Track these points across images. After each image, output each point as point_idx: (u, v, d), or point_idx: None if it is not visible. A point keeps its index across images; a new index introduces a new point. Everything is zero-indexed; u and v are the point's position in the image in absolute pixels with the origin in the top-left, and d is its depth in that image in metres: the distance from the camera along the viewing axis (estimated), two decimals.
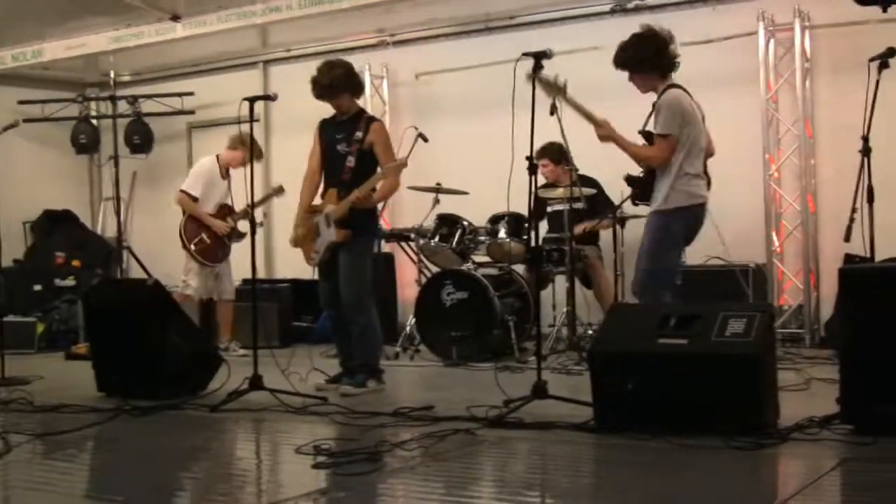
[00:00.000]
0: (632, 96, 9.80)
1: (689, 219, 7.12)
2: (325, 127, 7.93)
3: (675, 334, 5.59)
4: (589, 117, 7.18)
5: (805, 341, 9.61)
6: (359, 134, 7.65)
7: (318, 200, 7.91)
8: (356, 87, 7.88)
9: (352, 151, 7.62)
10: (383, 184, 7.64)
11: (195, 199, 10.24)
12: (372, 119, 7.85)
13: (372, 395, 7.49)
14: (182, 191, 10.33)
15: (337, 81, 7.71)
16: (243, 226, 10.07)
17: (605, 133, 7.22)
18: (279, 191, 10.01)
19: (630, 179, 7.53)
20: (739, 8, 10.22)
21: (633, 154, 7.16)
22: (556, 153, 9.22)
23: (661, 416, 5.40)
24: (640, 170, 7.38)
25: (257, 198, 9.52)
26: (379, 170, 7.57)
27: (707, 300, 7.53)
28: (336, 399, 6.90)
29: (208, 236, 10.23)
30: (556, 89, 6.90)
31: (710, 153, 7.38)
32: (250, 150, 8.26)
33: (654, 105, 7.18)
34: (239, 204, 9.62)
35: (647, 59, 7.20)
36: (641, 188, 7.30)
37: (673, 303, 6.92)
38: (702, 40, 10.22)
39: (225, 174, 10.43)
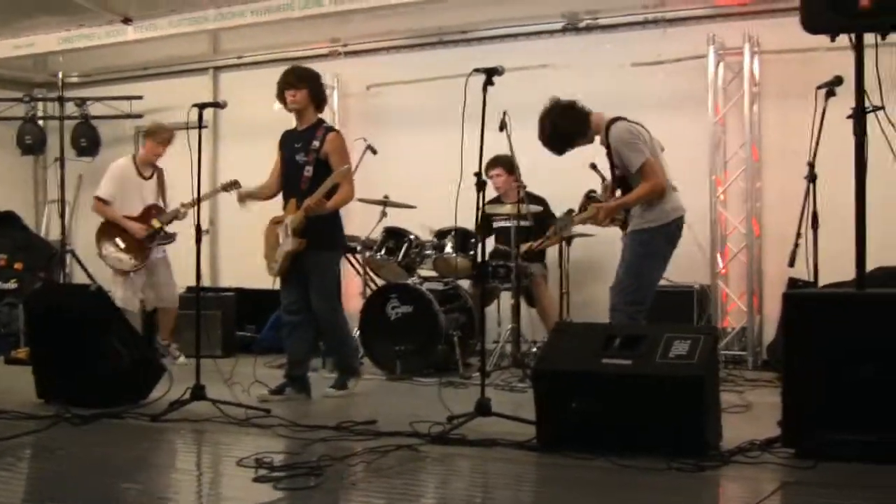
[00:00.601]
0: None
1: (670, 233, 7.30)
2: (286, 137, 8.10)
3: (620, 354, 5.62)
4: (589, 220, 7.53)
5: (748, 363, 9.67)
6: (316, 143, 7.76)
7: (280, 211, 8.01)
8: (317, 90, 8.02)
9: (309, 161, 7.74)
10: (339, 192, 7.70)
11: (108, 204, 10.00)
12: (329, 129, 7.94)
13: (354, 397, 7.92)
14: (96, 197, 10.14)
15: (298, 75, 7.94)
16: (181, 227, 9.90)
17: (607, 209, 7.40)
18: (232, 185, 9.69)
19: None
20: (690, 31, 10.29)
21: (637, 200, 7.24)
22: (509, 164, 9.25)
23: (604, 436, 5.42)
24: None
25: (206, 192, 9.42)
26: (328, 181, 7.62)
27: (652, 321, 7.58)
28: (280, 411, 6.85)
29: (123, 241, 9.96)
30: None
31: None
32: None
33: (607, 146, 7.35)
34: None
35: (579, 131, 7.48)
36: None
37: (617, 323, 6.97)
38: (652, 61, 10.32)
39: (148, 173, 10.18)
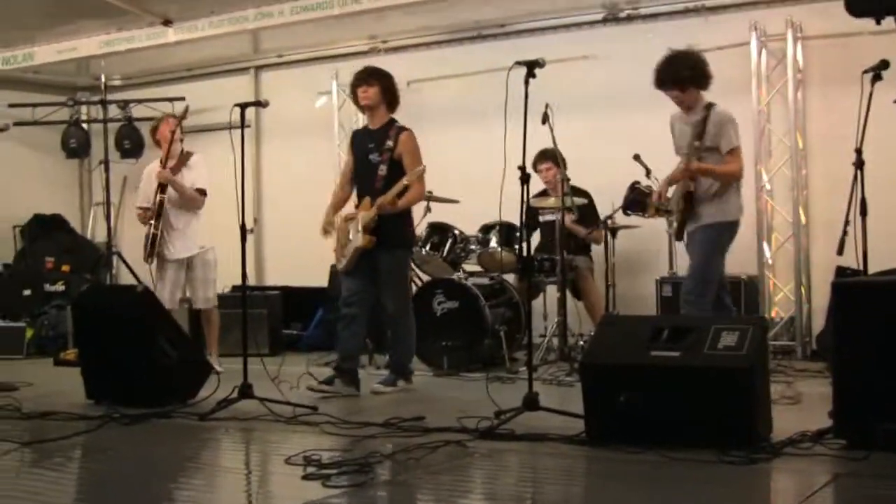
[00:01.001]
0: (621, 107, 9.84)
1: (734, 230, 7.58)
2: (357, 137, 8.33)
3: (668, 347, 5.57)
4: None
5: (797, 353, 9.57)
6: (389, 143, 7.92)
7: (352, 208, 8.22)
8: (390, 91, 8.15)
9: (383, 160, 7.90)
10: (410, 191, 7.86)
11: (143, 209, 9.58)
12: (402, 129, 8.05)
13: (402, 393, 7.97)
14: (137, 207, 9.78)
15: (374, 73, 8.12)
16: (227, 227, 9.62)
17: (697, 167, 7.41)
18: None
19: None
20: (732, 18, 10.21)
21: (723, 175, 7.39)
22: (557, 157, 9.23)
23: (654, 429, 5.38)
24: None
25: None
26: (401, 182, 7.79)
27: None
28: (327, 408, 6.86)
29: (146, 235, 9.45)
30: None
31: None
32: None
33: (702, 120, 7.43)
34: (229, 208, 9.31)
35: (695, 75, 7.55)
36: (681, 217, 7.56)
37: (665, 315, 6.95)
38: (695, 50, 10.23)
39: (172, 162, 9.59)
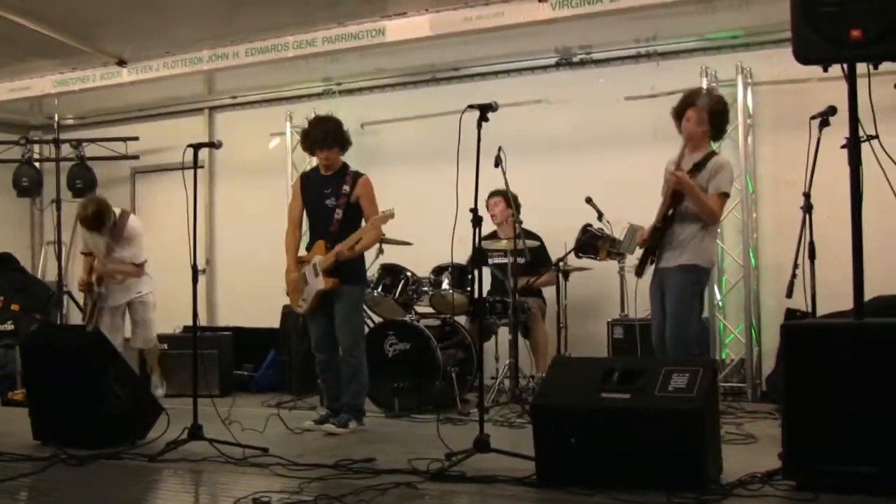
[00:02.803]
0: (574, 151, 9.91)
1: (708, 277, 7.73)
2: (308, 181, 8.33)
3: (619, 389, 5.58)
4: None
5: (747, 395, 9.62)
6: (346, 188, 8.04)
7: (302, 251, 8.29)
8: (345, 142, 8.26)
9: (339, 205, 8.02)
10: (367, 234, 8.00)
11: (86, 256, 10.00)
12: (358, 174, 8.17)
13: (353, 434, 7.89)
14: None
15: (331, 135, 8.10)
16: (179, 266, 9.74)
17: (684, 178, 7.37)
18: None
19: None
20: (683, 63, 10.32)
21: (702, 204, 7.38)
22: (507, 194, 9.27)
23: (604, 471, 5.40)
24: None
25: None
26: (363, 223, 7.99)
27: (649, 355, 7.57)
28: (276, 450, 6.81)
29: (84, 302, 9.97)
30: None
31: None
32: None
33: (698, 164, 7.49)
34: (181, 248, 9.32)
35: (722, 127, 7.77)
36: (650, 245, 7.60)
37: (616, 357, 6.96)
38: (646, 94, 10.34)
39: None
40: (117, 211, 9.85)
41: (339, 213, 8.00)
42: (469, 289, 9.42)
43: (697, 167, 7.46)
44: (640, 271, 7.73)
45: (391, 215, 7.93)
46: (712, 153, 7.59)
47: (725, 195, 7.47)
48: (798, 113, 7.51)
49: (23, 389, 9.78)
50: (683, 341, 7.28)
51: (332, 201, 8.04)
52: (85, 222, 9.69)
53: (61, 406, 7.48)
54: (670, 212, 7.44)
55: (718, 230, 9.62)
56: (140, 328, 10.02)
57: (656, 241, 7.52)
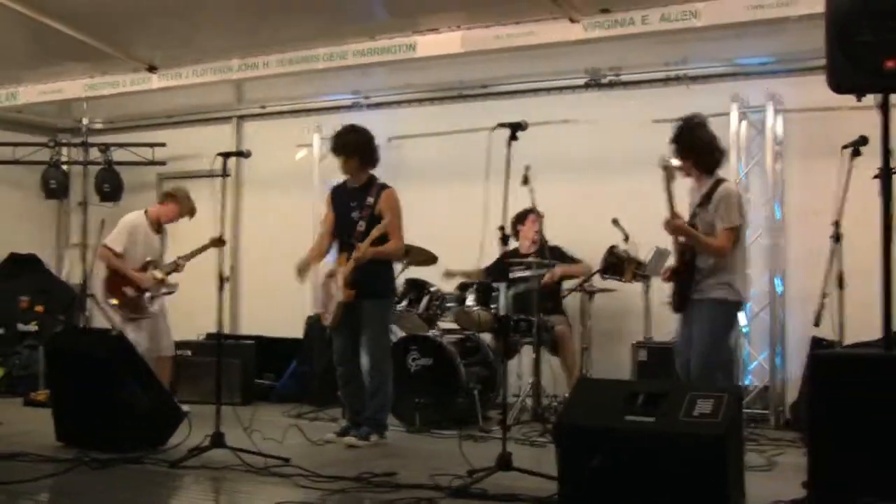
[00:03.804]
0: (601, 172, 9.93)
1: (740, 310, 7.52)
2: (336, 193, 8.41)
3: (643, 412, 5.56)
4: (670, 203, 7.19)
5: (770, 422, 9.57)
6: (370, 200, 8.07)
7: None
8: (368, 156, 8.26)
9: (363, 217, 8.04)
10: (388, 243, 8.01)
11: (119, 255, 9.82)
12: (384, 187, 8.19)
13: (374, 447, 7.90)
14: (105, 245, 9.92)
15: (349, 146, 8.18)
16: (175, 278, 9.96)
17: (678, 224, 7.25)
18: (218, 242, 9.61)
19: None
20: (713, 88, 10.30)
21: (703, 245, 7.19)
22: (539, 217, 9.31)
23: (627, 494, 5.38)
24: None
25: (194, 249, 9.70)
26: (374, 231, 7.95)
27: (673, 378, 7.55)
28: (299, 460, 6.82)
29: (132, 290, 9.80)
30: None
31: None
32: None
33: (705, 196, 7.32)
34: (206, 256, 9.40)
35: (715, 161, 7.48)
36: (678, 289, 7.38)
37: (640, 381, 6.94)
38: (675, 118, 10.28)
39: (156, 229, 10.03)
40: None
41: (361, 226, 8.02)
42: (493, 306, 9.41)
43: (706, 199, 7.35)
44: (678, 306, 7.39)
45: (389, 223, 8.00)
46: (718, 182, 7.37)
47: (733, 229, 7.20)
48: (828, 141, 7.53)
49: (45, 390, 9.83)
50: (708, 375, 7.11)
51: (356, 213, 8.08)
52: (193, 212, 9.96)
53: (84, 408, 7.53)
54: (687, 256, 7.32)
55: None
56: (164, 336, 9.99)
57: (682, 285, 7.34)
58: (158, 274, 9.85)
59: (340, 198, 8.29)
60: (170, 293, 9.99)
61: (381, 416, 8.17)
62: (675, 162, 7.36)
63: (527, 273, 9.41)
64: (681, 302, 7.31)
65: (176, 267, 9.85)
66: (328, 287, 8.20)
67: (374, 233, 7.91)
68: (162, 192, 10.08)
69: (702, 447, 5.31)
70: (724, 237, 7.17)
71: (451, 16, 9.78)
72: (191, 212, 9.97)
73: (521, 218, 9.60)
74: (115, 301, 9.77)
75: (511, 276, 9.87)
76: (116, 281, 9.79)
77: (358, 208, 8.07)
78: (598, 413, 5.71)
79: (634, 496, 5.36)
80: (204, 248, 9.65)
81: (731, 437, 5.42)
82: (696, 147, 7.40)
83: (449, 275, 9.79)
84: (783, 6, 8.62)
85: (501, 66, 11.10)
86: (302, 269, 8.25)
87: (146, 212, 10.08)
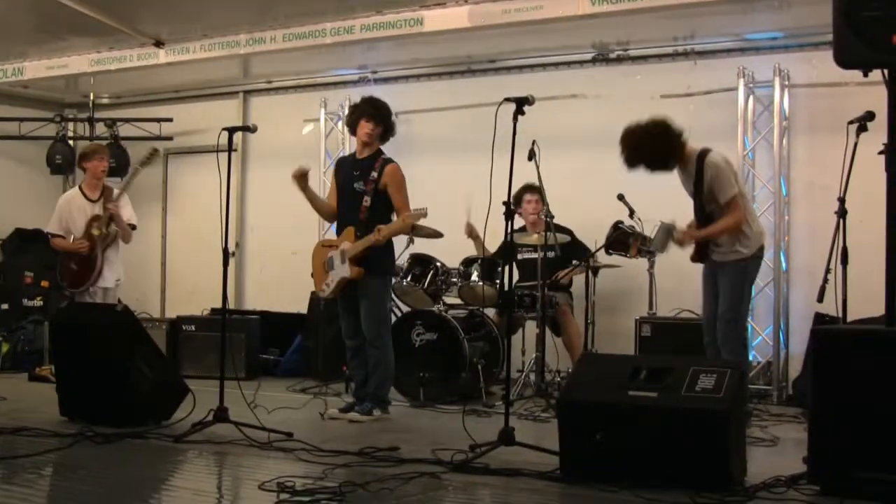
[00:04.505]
0: (607, 147, 9.83)
1: (758, 261, 7.79)
2: (342, 165, 8.41)
3: (646, 387, 5.58)
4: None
5: (773, 398, 9.57)
6: (374, 174, 8.00)
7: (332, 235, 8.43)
8: (389, 125, 8.26)
9: (367, 191, 8.00)
10: (396, 221, 7.97)
11: (61, 237, 10.00)
12: (388, 161, 8.12)
13: (376, 422, 7.92)
14: (47, 233, 10.19)
15: (380, 112, 8.15)
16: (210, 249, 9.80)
17: (693, 236, 7.67)
18: (150, 156, 9.47)
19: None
20: (721, 63, 10.28)
21: (721, 233, 7.57)
22: (542, 192, 9.27)
23: (629, 468, 5.39)
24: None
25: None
26: (394, 216, 7.98)
27: (676, 353, 7.55)
28: (302, 435, 6.83)
29: (76, 263, 9.88)
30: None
31: None
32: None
33: (697, 175, 7.55)
34: (212, 231, 9.33)
35: (671, 156, 7.62)
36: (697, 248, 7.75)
37: (644, 355, 6.96)
38: (682, 93, 10.31)
39: (96, 195, 10.03)
40: None
41: (367, 200, 7.99)
42: (498, 281, 9.41)
43: (698, 184, 7.55)
44: (697, 257, 7.84)
45: (424, 214, 7.96)
46: (700, 159, 7.55)
47: (734, 197, 7.49)
48: (834, 116, 7.49)
49: (50, 365, 9.85)
50: (732, 334, 7.53)
51: (360, 185, 8.03)
52: (106, 154, 10.10)
53: (88, 383, 7.54)
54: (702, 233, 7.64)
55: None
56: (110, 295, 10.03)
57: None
58: (95, 231, 9.85)
59: (345, 170, 8.27)
60: (112, 240, 9.92)
61: (382, 390, 8.17)
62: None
63: (533, 255, 9.40)
64: (699, 255, 7.76)
65: (111, 216, 9.78)
66: (323, 256, 8.19)
67: (392, 228, 7.91)
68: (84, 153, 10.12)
69: (704, 422, 5.32)
70: (731, 209, 7.47)
71: None
72: (102, 153, 10.14)
73: (516, 200, 9.53)
74: (66, 284, 9.94)
75: (519, 257, 9.90)
76: (65, 263, 9.98)
77: (361, 179, 8.02)
78: (602, 388, 5.72)
79: (637, 471, 5.37)
80: (135, 173, 9.97)
81: (734, 412, 5.43)
82: (655, 160, 7.59)
83: (471, 231, 9.77)
84: None
85: (509, 41, 11.05)
86: (299, 173, 8.22)
87: (79, 186, 10.26)
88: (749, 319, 9.78)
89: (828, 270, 6.85)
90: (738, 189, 7.55)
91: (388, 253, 8.25)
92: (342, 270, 8.01)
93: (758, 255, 7.72)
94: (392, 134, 8.31)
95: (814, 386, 5.38)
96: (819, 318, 8.40)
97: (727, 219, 7.48)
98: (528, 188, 9.49)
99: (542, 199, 9.24)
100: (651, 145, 7.54)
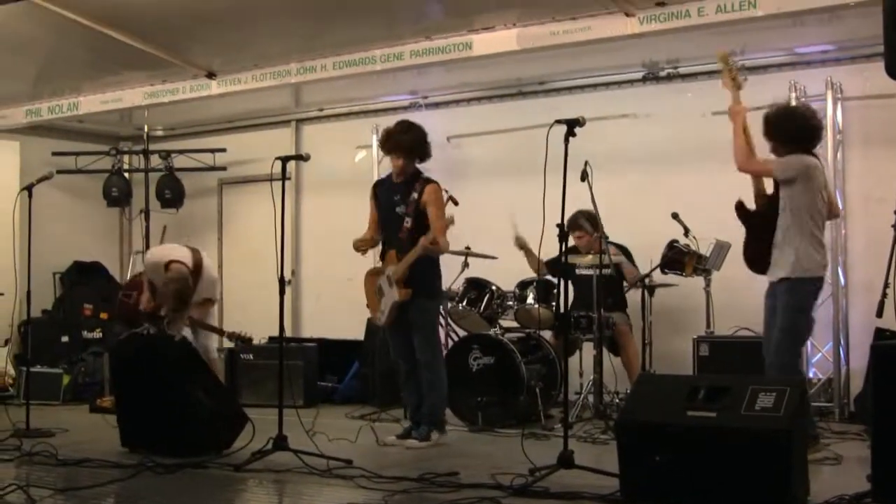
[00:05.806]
0: (660, 166, 9.88)
1: (818, 286, 7.30)
2: (380, 189, 8.40)
3: (704, 407, 5.54)
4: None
5: (834, 415, 9.46)
6: (415, 195, 8.04)
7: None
8: (418, 151, 8.20)
9: (409, 213, 8.04)
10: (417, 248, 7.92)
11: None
12: (427, 181, 8.15)
13: (435, 447, 7.93)
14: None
15: (402, 147, 8.11)
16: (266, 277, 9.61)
17: (739, 111, 7.54)
18: (242, 339, 9.13)
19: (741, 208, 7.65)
20: (771, 78, 10.19)
21: (737, 144, 7.42)
22: (590, 221, 9.24)
23: (689, 490, 5.35)
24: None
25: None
26: (422, 239, 7.87)
27: (735, 372, 7.49)
28: (361, 461, 6.84)
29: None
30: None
31: (834, 215, 7.66)
32: None
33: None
34: (268, 260, 9.23)
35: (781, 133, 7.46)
36: (758, 261, 7.39)
37: (702, 375, 6.91)
38: None
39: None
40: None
41: (408, 222, 8.03)
42: (554, 304, 9.38)
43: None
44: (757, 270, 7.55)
45: (451, 222, 8.08)
46: (792, 152, 7.38)
47: (768, 165, 7.37)
48: (888, 128, 7.44)
49: (111, 396, 9.94)
50: (780, 361, 7.15)
51: (401, 209, 8.08)
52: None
53: (149, 414, 7.61)
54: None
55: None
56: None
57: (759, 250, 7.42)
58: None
59: (385, 193, 8.29)
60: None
61: (437, 411, 8.19)
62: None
63: (589, 272, 9.33)
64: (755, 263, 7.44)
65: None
66: (373, 284, 8.25)
67: (418, 249, 7.86)
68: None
69: (765, 442, 5.27)
70: (760, 161, 7.41)
71: (506, 13, 9.73)
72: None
73: (570, 227, 9.45)
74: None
75: (577, 272, 9.85)
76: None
77: (402, 203, 8.06)
78: (660, 409, 5.69)
79: (697, 492, 5.33)
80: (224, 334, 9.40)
81: (795, 431, 5.37)
82: (792, 131, 7.45)
83: (520, 242, 9.76)
84: None
85: (558, 63, 11.05)
86: (359, 244, 8.35)
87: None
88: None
89: (886, 285, 6.77)
90: (774, 175, 7.36)
91: (436, 275, 8.29)
92: (392, 295, 8.04)
93: (814, 280, 7.24)
94: (424, 153, 8.26)
95: (875, 402, 5.33)
96: (879, 334, 8.30)
97: (745, 154, 7.39)
98: (574, 225, 9.31)
99: (597, 222, 9.17)
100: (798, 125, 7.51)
